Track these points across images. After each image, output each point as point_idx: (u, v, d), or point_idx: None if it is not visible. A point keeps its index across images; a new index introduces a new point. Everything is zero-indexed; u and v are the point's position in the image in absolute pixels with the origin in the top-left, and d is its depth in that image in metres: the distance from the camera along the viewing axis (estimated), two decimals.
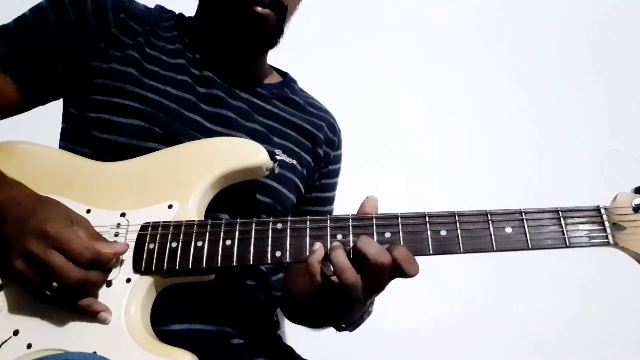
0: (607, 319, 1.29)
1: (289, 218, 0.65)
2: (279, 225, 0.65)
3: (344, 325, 0.71)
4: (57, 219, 0.60)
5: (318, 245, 0.62)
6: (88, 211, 0.68)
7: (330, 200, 0.98)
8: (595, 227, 0.62)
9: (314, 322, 0.86)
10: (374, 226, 0.63)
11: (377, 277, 0.60)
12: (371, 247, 0.59)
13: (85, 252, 0.60)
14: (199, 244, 0.65)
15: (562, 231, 0.61)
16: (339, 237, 0.63)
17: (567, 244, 0.61)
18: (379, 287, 0.62)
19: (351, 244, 0.62)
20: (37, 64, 0.77)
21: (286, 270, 0.90)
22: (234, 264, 0.64)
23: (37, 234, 0.59)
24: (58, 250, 0.59)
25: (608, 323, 1.29)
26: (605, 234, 0.61)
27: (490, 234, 0.62)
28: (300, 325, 0.91)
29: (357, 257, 0.60)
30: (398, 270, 0.59)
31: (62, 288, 0.59)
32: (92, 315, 0.61)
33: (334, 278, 0.60)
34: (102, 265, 0.62)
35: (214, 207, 0.72)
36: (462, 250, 0.62)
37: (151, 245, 0.65)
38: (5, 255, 0.60)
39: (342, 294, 0.60)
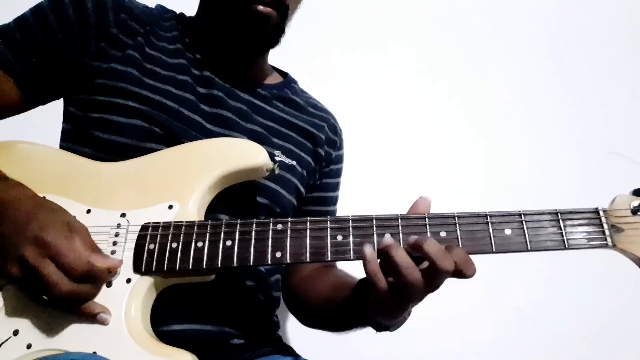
0: (605, 321, 1.29)
1: (289, 219, 0.65)
2: (279, 226, 0.65)
3: (383, 325, 0.70)
4: (55, 227, 0.60)
5: (369, 251, 0.60)
6: (88, 211, 0.68)
7: (332, 200, 0.98)
8: (594, 229, 0.62)
9: (341, 325, 0.82)
10: (374, 227, 0.63)
11: (439, 279, 0.60)
12: (436, 250, 0.58)
13: (78, 264, 0.59)
14: (200, 244, 0.65)
15: (561, 233, 0.62)
16: (339, 238, 0.64)
17: (566, 246, 0.61)
18: (436, 287, 0.61)
19: (351, 245, 0.62)
20: (37, 63, 0.77)
21: (293, 274, 0.91)
22: (234, 264, 0.64)
23: (34, 242, 0.58)
24: (52, 260, 0.58)
25: (607, 325, 1.29)
26: (603, 236, 0.62)
27: (490, 236, 0.62)
28: (320, 329, 0.89)
29: (417, 257, 0.60)
30: (457, 273, 0.59)
31: (54, 298, 0.58)
32: (91, 317, 0.61)
33: (391, 279, 0.60)
34: (94, 279, 0.61)
35: (213, 208, 0.73)
36: None
37: (151, 246, 0.65)
38: (3, 257, 0.60)
39: (401, 295, 0.60)
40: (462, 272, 0.59)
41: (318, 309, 0.86)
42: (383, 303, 0.64)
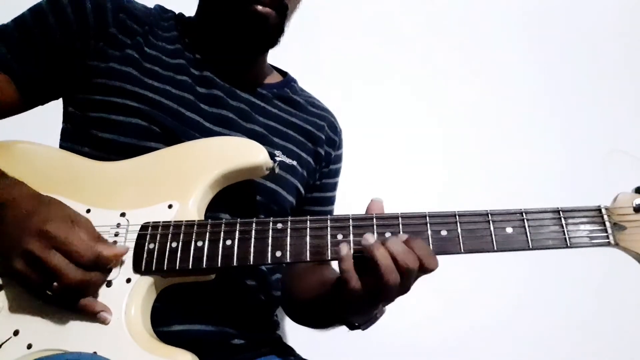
0: (607, 319, 1.29)
1: (289, 218, 0.65)
2: (280, 225, 0.65)
3: (356, 324, 0.70)
4: (57, 219, 0.60)
5: (345, 250, 0.61)
6: (88, 211, 0.68)
7: (331, 200, 0.98)
8: (596, 227, 0.62)
9: (323, 322, 0.84)
10: (374, 226, 0.63)
11: (408, 280, 0.60)
12: (400, 250, 0.59)
13: (86, 252, 0.59)
14: (199, 244, 0.64)
15: (563, 231, 0.61)
16: (339, 237, 0.63)
17: (568, 244, 0.61)
18: (407, 289, 0.62)
19: (351, 244, 0.62)
20: (36, 63, 0.77)
21: (286, 270, 0.91)
22: (234, 264, 0.64)
23: (38, 234, 0.58)
24: (58, 251, 0.58)
25: (609, 323, 1.29)
26: (606, 234, 0.61)
27: (491, 234, 0.62)
28: (305, 325, 0.90)
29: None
30: (421, 269, 0.59)
31: (63, 288, 0.59)
32: (92, 315, 0.61)
33: (368, 278, 0.60)
34: (103, 266, 0.62)
35: (213, 207, 0.72)
36: (462, 250, 0.62)
37: (151, 245, 0.65)
38: (5, 255, 0.60)
39: (375, 294, 0.60)
40: (424, 266, 0.59)
41: (304, 304, 0.86)
42: (354, 302, 0.64)
